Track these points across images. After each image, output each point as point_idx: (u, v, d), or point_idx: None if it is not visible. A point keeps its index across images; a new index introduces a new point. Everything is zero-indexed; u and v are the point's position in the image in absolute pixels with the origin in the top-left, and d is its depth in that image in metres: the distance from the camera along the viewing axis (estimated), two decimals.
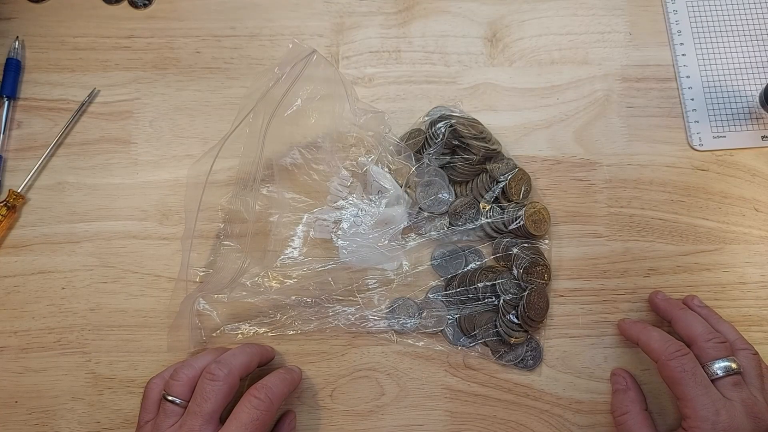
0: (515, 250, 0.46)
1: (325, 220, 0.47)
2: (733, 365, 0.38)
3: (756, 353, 0.40)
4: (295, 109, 0.46)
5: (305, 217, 0.47)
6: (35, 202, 0.48)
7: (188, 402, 0.38)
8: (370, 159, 0.48)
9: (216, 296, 0.45)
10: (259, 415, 0.37)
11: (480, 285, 0.45)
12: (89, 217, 0.48)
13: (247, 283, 0.45)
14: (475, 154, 0.46)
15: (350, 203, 0.47)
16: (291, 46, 0.45)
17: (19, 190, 0.47)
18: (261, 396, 0.38)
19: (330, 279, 0.46)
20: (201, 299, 0.45)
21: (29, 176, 0.48)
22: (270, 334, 0.45)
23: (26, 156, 0.49)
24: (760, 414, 0.37)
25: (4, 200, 0.47)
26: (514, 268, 0.45)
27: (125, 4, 0.52)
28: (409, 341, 0.45)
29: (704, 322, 0.41)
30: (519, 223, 0.45)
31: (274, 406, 0.39)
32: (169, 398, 0.39)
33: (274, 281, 0.45)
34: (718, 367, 0.38)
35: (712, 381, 0.38)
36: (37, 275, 0.47)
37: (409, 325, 0.45)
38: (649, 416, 0.42)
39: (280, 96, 0.44)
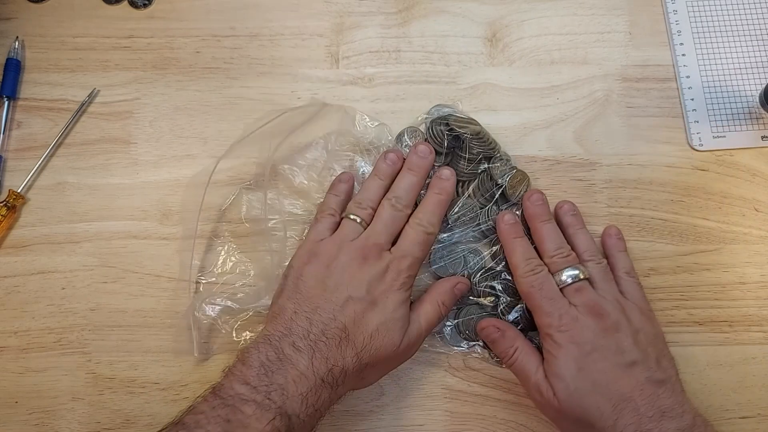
0: None
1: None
2: (579, 273, 0.42)
3: (602, 262, 0.44)
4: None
5: (305, 222, 0.47)
6: (35, 202, 0.48)
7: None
8: (368, 163, 0.48)
9: (219, 301, 0.45)
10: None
11: (479, 286, 0.45)
12: (89, 217, 0.48)
13: (249, 288, 0.45)
14: (475, 154, 0.46)
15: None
16: (307, 102, 0.48)
17: (19, 190, 0.47)
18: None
19: None
20: (204, 304, 0.45)
21: (29, 176, 0.48)
22: None
23: (26, 156, 0.49)
24: (603, 312, 0.40)
25: (4, 200, 0.47)
26: None
27: (125, 4, 0.52)
28: None
29: (556, 237, 0.44)
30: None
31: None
32: (353, 218, 0.43)
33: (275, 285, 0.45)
34: (566, 275, 0.42)
35: (561, 289, 0.42)
36: (37, 275, 0.47)
37: None
38: (530, 342, 0.43)
39: (286, 132, 0.47)
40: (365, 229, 0.43)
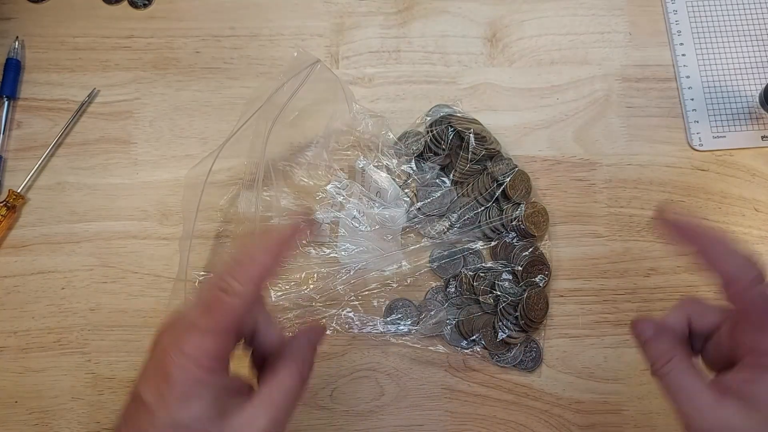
0: (514, 251, 0.46)
1: (323, 222, 0.47)
2: None
3: None
4: (296, 114, 0.46)
5: (303, 220, 0.47)
6: (35, 202, 0.48)
7: None
8: (368, 161, 0.48)
9: None
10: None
11: (479, 286, 0.45)
12: (89, 217, 0.48)
13: None
14: (475, 154, 0.46)
15: (349, 205, 0.47)
16: (296, 54, 0.45)
17: (19, 190, 0.47)
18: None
19: (329, 281, 0.45)
20: None
21: (29, 176, 0.48)
22: None
23: (26, 156, 0.49)
24: None
25: (4, 200, 0.47)
26: (513, 269, 0.45)
27: (125, 4, 0.52)
28: (409, 342, 0.45)
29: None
30: (518, 223, 0.45)
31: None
32: None
33: (273, 285, 0.45)
34: None
35: None
36: (37, 275, 0.47)
37: (408, 327, 0.45)
38: (693, 363, 0.32)
39: (283, 103, 0.44)
40: None
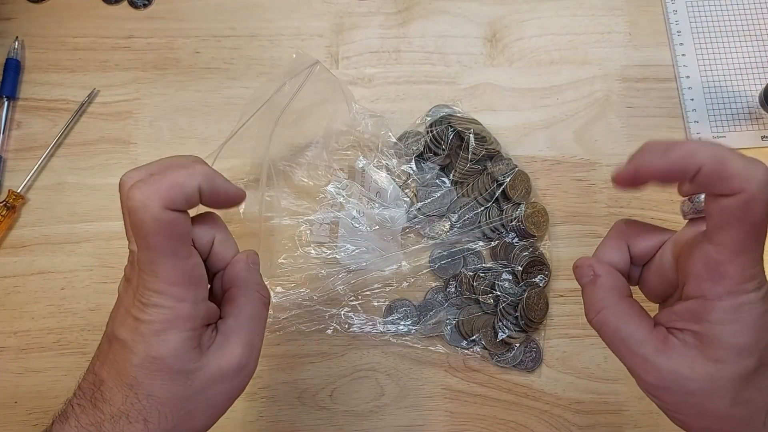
0: (514, 251, 0.46)
1: (323, 223, 0.47)
2: None
3: None
4: (296, 115, 0.46)
5: (303, 220, 0.47)
6: (35, 203, 0.48)
7: None
8: (368, 161, 0.48)
9: None
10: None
11: (479, 286, 0.45)
12: (89, 218, 0.48)
13: None
14: (475, 154, 0.46)
15: (349, 206, 0.47)
16: (295, 56, 0.45)
17: (18, 191, 0.47)
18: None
19: (328, 282, 0.45)
20: None
21: (29, 176, 0.48)
22: (269, 336, 0.45)
23: (26, 156, 0.49)
24: None
25: (4, 200, 0.47)
26: (513, 269, 0.45)
27: (125, 4, 0.52)
28: (409, 342, 0.45)
29: None
30: (518, 223, 0.45)
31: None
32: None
33: (273, 285, 0.45)
34: None
35: None
36: (37, 275, 0.47)
37: (408, 327, 0.45)
38: (635, 303, 0.30)
39: (283, 104, 0.44)
40: None
